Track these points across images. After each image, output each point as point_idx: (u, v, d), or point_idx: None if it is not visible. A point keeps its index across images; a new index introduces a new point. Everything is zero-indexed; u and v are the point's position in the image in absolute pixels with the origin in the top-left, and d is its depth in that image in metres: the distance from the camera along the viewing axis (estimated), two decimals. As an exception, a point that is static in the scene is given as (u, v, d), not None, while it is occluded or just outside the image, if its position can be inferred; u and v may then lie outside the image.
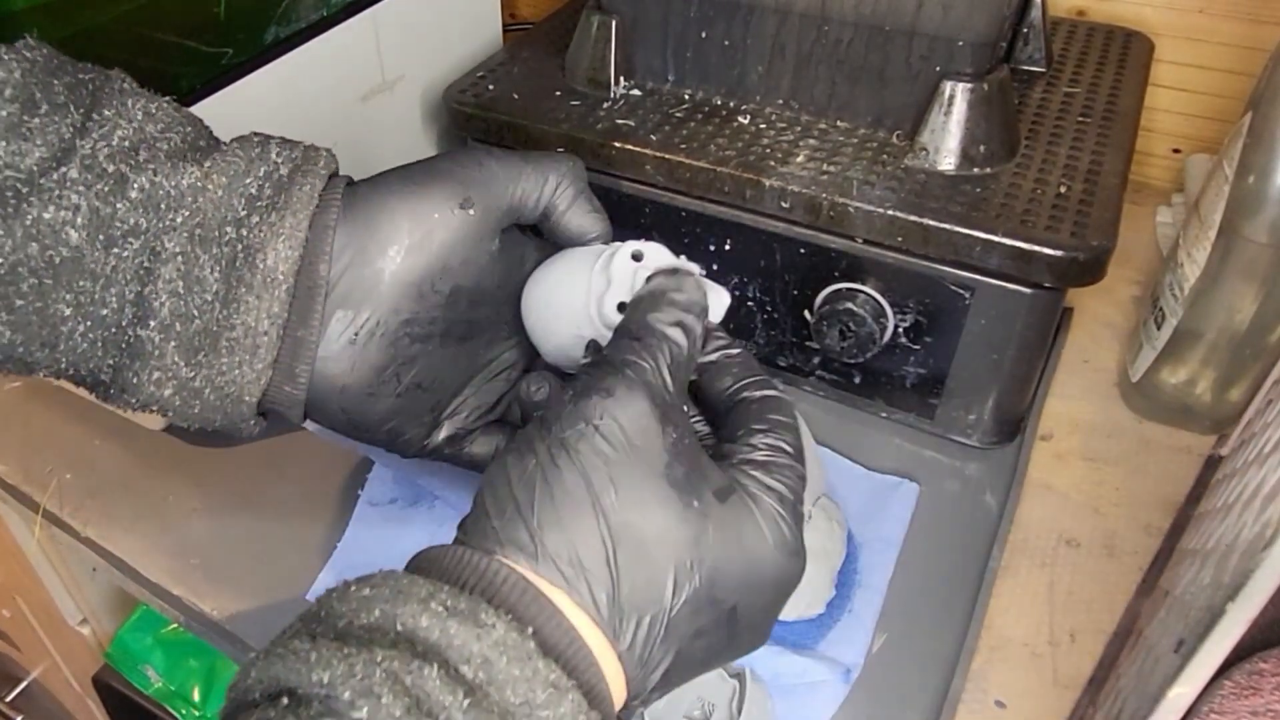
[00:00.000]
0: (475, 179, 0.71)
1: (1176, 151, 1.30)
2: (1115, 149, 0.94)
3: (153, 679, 1.24)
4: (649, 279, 0.68)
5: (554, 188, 0.74)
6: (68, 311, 0.63)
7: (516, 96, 1.06)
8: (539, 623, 0.51)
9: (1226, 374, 0.93)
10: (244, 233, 0.65)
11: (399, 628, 0.48)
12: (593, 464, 0.55)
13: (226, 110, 0.94)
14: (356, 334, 0.69)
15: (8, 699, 1.74)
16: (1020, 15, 1.05)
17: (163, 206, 0.63)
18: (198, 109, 0.91)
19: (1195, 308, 0.91)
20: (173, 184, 0.64)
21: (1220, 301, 0.89)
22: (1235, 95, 1.21)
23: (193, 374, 0.66)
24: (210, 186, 0.65)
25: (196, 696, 1.22)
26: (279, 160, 0.67)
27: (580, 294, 0.70)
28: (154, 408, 0.68)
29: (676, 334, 0.62)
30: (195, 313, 0.64)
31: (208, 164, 0.65)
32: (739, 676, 0.78)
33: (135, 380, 0.66)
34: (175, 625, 1.02)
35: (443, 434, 0.77)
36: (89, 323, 0.64)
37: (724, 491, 0.58)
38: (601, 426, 0.56)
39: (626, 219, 1.02)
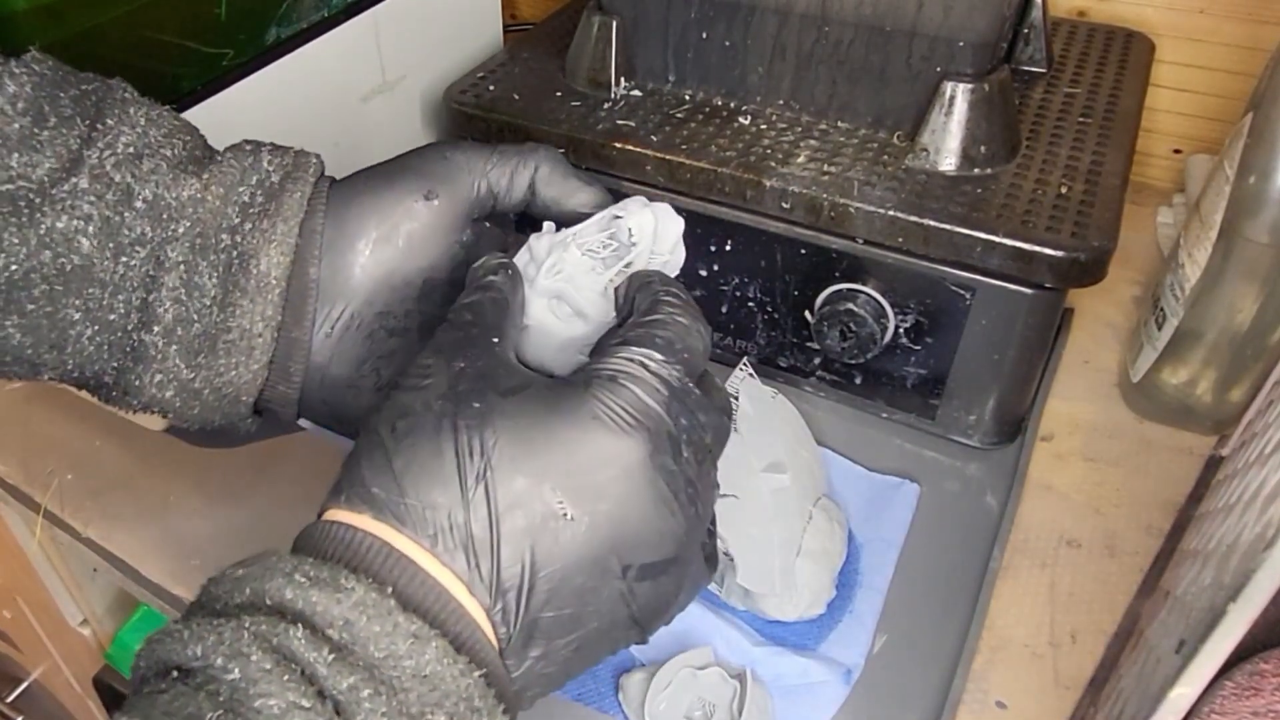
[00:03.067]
0: (439, 171, 0.73)
1: (1177, 152, 1.30)
2: (1116, 149, 0.94)
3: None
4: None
5: (530, 173, 0.74)
6: (77, 316, 0.65)
7: (517, 97, 1.06)
8: (400, 583, 0.53)
9: (1227, 374, 0.93)
10: (239, 239, 0.67)
11: (267, 601, 0.50)
12: (386, 409, 0.58)
13: (228, 111, 0.94)
14: (332, 328, 0.71)
15: (9, 699, 1.74)
16: (1021, 16, 1.06)
17: (165, 217, 0.66)
18: (199, 109, 0.92)
19: (1196, 308, 0.91)
20: (174, 195, 0.66)
21: (1221, 302, 0.89)
22: (1236, 96, 1.22)
23: (193, 375, 0.68)
24: (209, 197, 0.67)
25: (197, 696, 1.22)
26: (270, 168, 0.70)
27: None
28: (155, 409, 0.70)
29: (495, 279, 0.66)
30: (195, 317, 0.67)
31: (205, 175, 0.67)
32: (740, 677, 0.78)
33: (138, 383, 0.68)
34: None
35: None
36: (96, 327, 0.66)
37: (513, 388, 0.59)
38: (401, 380, 0.59)
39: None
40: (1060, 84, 1.06)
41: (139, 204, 0.65)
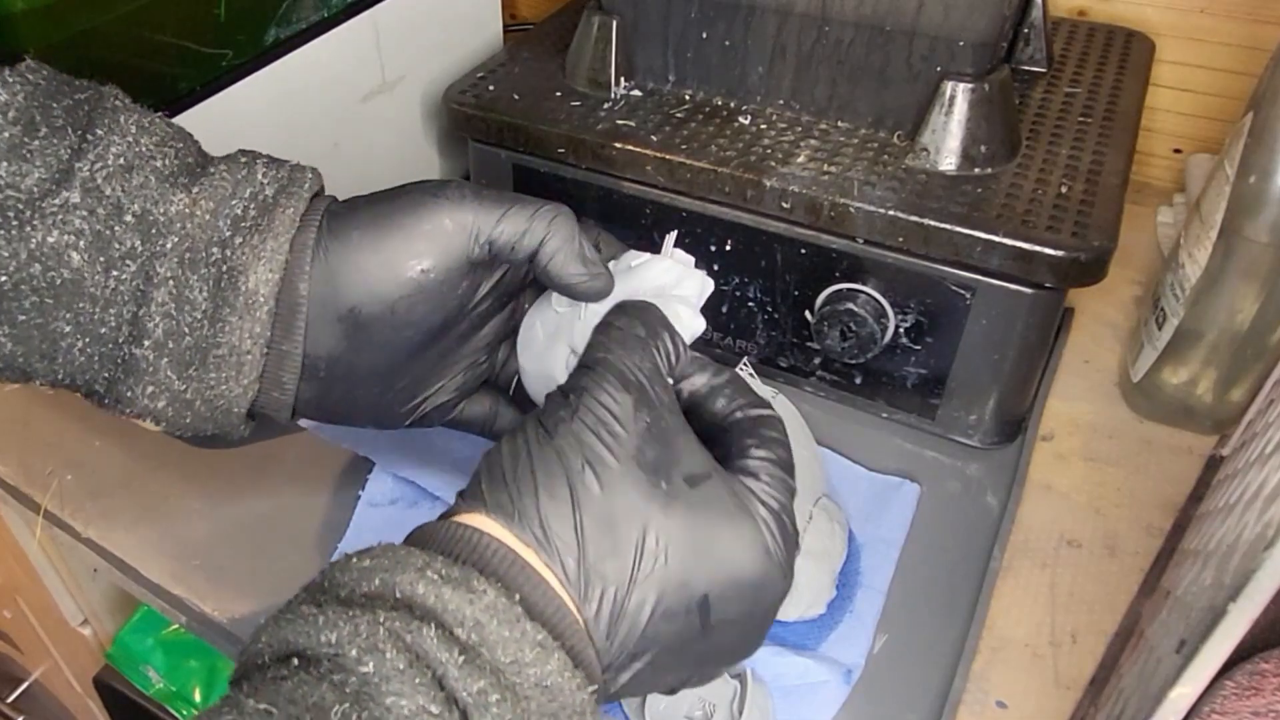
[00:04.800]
0: (438, 242, 0.71)
1: (1177, 151, 1.30)
2: (1116, 149, 0.95)
3: (154, 679, 1.25)
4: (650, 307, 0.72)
5: (537, 239, 0.72)
6: (67, 329, 0.65)
7: (517, 97, 1.06)
8: (525, 590, 0.55)
9: (1228, 374, 0.93)
10: (228, 254, 0.67)
11: (398, 594, 0.52)
12: (569, 444, 0.59)
13: (227, 112, 0.94)
14: (323, 338, 0.72)
15: (9, 700, 1.75)
16: (1021, 15, 1.06)
17: (154, 232, 0.66)
18: (198, 110, 0.92)
19: (1196, 308, 0.91)
20: (162, 210, 0.66)
21: (1221, 302, 0.89)
22: (1236, 95, 1.22)
23: (184, 387, 0.69)
24: (198, 211, 0.67)
25: (197, 697, 1.22)
26: (265, 181, 0.70)
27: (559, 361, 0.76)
28: (148, 418, 0.71)
29: (637, 328, 0.67)
30: (186, 330, 0.67)
31: (195, 189, 0.67)
32: (740, 677, 0.78)
33: (129, 394, 0.68)
34: (176, 626, 1.03)
35: (427, 408, 0.81)
36: (87, 339, 0.66)
37: (697, 478, 0.62)
38: (579, 413, 0.61)
39: (628, 220, 1.03)
40: (1060, 84, 1.07)
41: (128, 218, 0.65)
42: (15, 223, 0.62)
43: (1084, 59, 1.12)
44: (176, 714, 1.23)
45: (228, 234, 0.67)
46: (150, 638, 1.25)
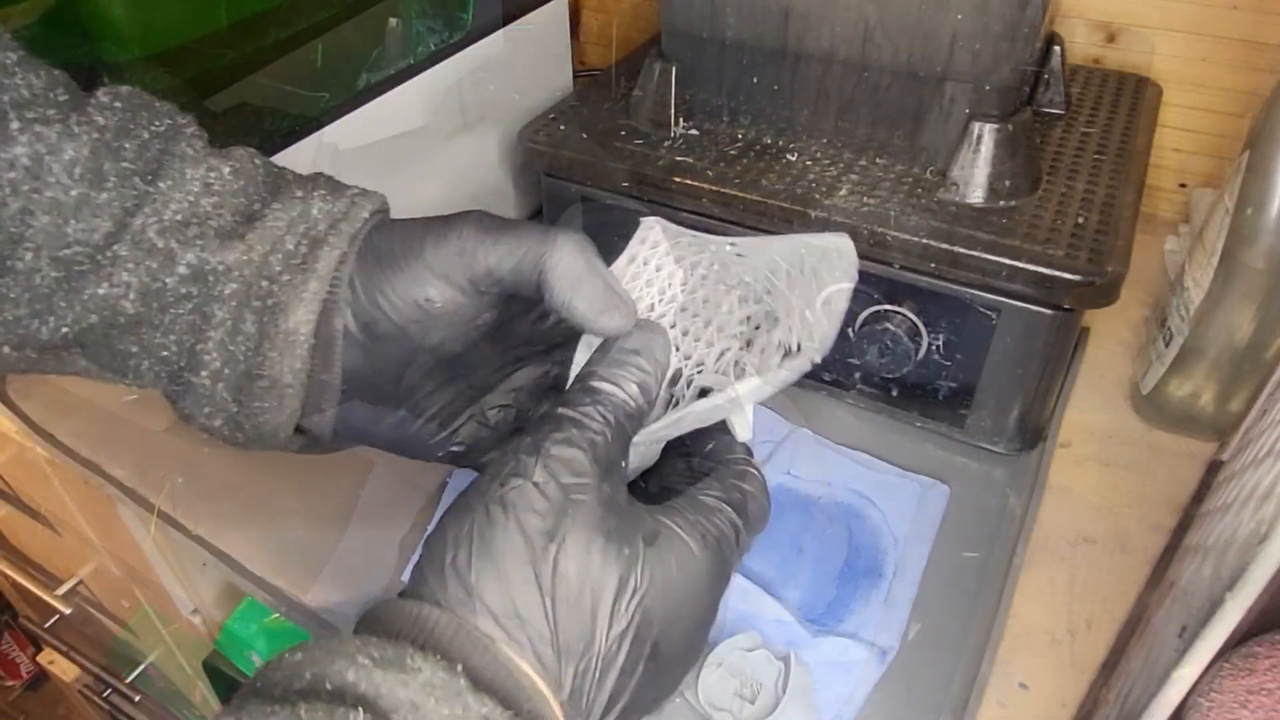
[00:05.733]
0: (442, 272, 0.64)
1: (1183, 186, 1.29)
2: (1127, 184, 0.95)
3: (257, 663, 1.25)
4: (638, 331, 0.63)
5: (533, 268, 0.63)
6: (135, 350, 0.64)
7: (585, 136, 1.07)
8: (471, 660, 0.48)
9: (1227, 386, 0.93)
10: (275, 289, 0.64)
11: (328, 686, 0.45)
12: (529, 521, 0.52)
13: (324, 147, 0.95)
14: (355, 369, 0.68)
15: (128, 680, 1.76)
16: (1041, 63, 1.06)
17: (210, 279, 0.63)
18: (298, 148, 0.92)
19: (1200, 327, 0.91)
20: (219, 259, 0.62)
21: (1222, 321, 0.90)
22: (1235, 135, 1.21)
23: (237, 409, 0.66)
24: (254, 256, 0.64)
25: (296, 678, 1.23)
26: (318, 216, 0.66)
27: None
28: (207, 434, 0.68)
29: (632, 391, 0.59)
30: (240, 358, 0.64)
31: (251, 236, 0.63)
32: (785, 659, 0.80)
33: (189, 412, 0.67)
34: (277, 615, 1.03)
35: (461, 440, 0.74)
36: (152, 359, 0.65)
37: (651, 535, 0.56)
38: (541, 484, 0.53)
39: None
40: (1077, 125, 1.07)
41: (181, 269, 0.62)
42: (77, 276, 0.59)
43: (1098, 102, 1.12)
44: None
45: (278, 270, 0.64)
46: (254, 625, 1.25)
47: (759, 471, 0.64)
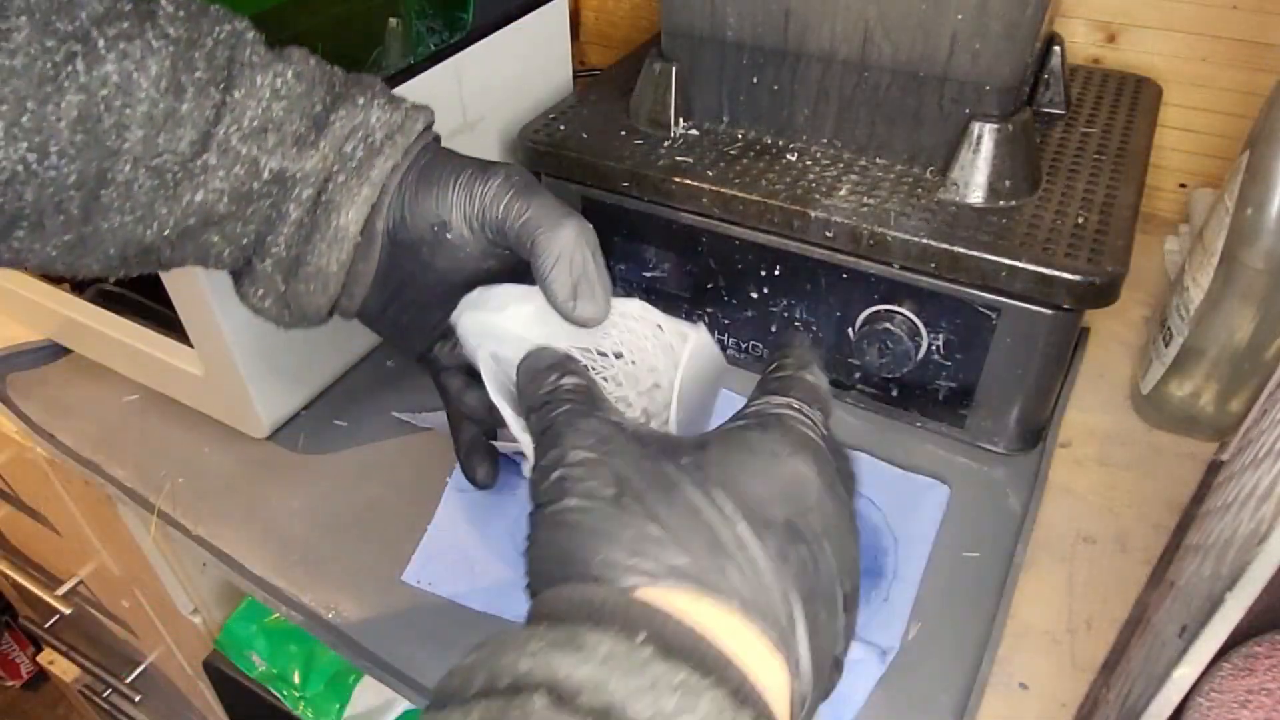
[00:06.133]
0: (460, 210, 0.71)
1: (1183, 186, 1.29)
2: (1127, 184, 0.95)
3: (257, 664, 1.24)
4: (523, 359, 0.66)
5: (528, 240, 0.69)
6: (217, 239, 0.70)
7: (585, 136, 1.08)
8: (653, 628, 0.44)
9: (1227, 387, 0.94)
10: (330, 188, 0.70)
11: (505, 682, 0.42)
12: (587, 488, 0.51)
13: None
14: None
15: (128, 680, 1.76)
16: (1041, 63, 1.06)
17: (289, 183, 0.69)
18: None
19: (1199, 327, 0.92)
20: (298, 167, 0.68)
21: (1222, 321, 0.90)
22: (1235, 135, 1.22)
23: (285, 289, 0.73)
24: (324, 164, 0.69)
25: (297, 679, 1.22)
26: (376, 124, 0.70)
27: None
28: (255, 313, 0.76)
29: (564, 380, 0.61)
30: (295, 244, 0.71)
31: (323, 144, 0.69)
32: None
33: (244, 292, 0.75)
34: (277, 615, 1.03)
35: (439, 348, 0.82)
36: (232, 247, 0.71)
37: (703, 442, 0.54)
38: (570, 460, 0.53)
39: (685, 247, 1.03)
40: (1077, 124, 1.07)
41: (265, 175, 0.67)
42: (172, 184, 0.64)
43: (1098, 102, 1.12)
44: (278, 694, 1.23)
45: (335, 169, 0.69)
46: (254, 625, 1.25)
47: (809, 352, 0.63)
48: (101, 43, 0.59)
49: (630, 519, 0.49)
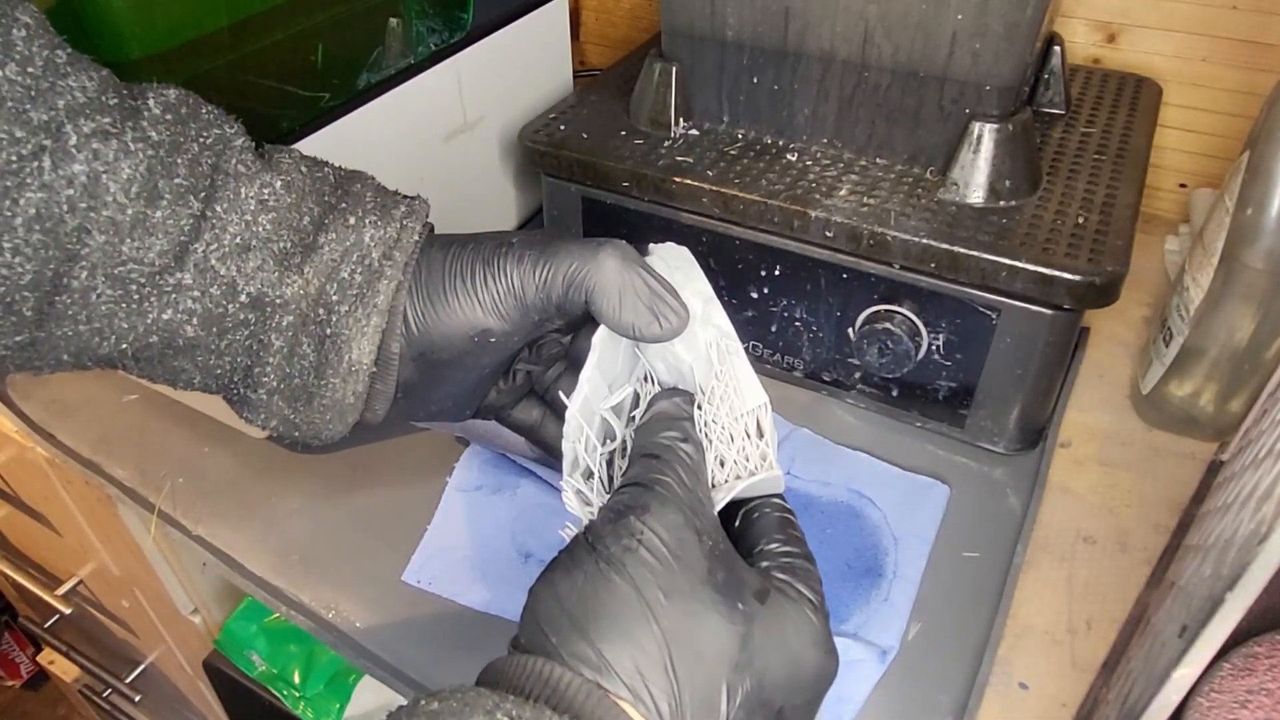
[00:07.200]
0: (500, 305, 0.67)
1: (1183, 186, 1.29)
2: (1128, 184, 0.95)
3: (257, 663, 1.25)
4: (650, 402, 0.68)
5: (583, 288, 0.66)
6: (188, 366, 0.66)
7: (585, 136, 1.08)
8: None
9: (1227, 387, 0.93)
10: (334, 319, 0.66)
11: None
12: (641, 576, 0.53)
13: (324, 149, 0.94)
14: (399, 390, 0.72)
15: (128, 680, 1.76)
16: (1042, 63, 1.06)
17: (269, 310, 0.65)
18: (298, 147, 0.93)
19: (1200, 327, 0.92)
20: (278, 293, 0.65)
21: (1222, 321, 0.90)
22: (1235, 135, 1.22)
23: (293, 415, 0.69)
24: (310, 290, 0.66)
25: (297, 679, 1.22)
26: (371, 244, 0.67)
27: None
28: (262, 433, 0.74)
29: (686, 447, 0.62)
30: (296, 375, 0.67)
31: (308, 269, 0.65)
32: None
33: (248, 418, 0.70)
34: (277, 615, 1.03)
35: (487, 408, 0.79)
36: (207, 378, 0.68)
37: (763, 593, 0.57)
38: (644, 540, 0.55)
39: (685, 247, 1.02)
40: (1077, 125, 1.07)
41: (243, 298, 0.64)
42: (136, 298, 0.60)
43: (1099, 102, 1.12)
44: (278, 694, 1.23)
45: (335, 299, 0.66)
46: (254, 625, 1.25)
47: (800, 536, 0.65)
48: (74, 139, 0.57)
49: (653, 635, 0.52)
